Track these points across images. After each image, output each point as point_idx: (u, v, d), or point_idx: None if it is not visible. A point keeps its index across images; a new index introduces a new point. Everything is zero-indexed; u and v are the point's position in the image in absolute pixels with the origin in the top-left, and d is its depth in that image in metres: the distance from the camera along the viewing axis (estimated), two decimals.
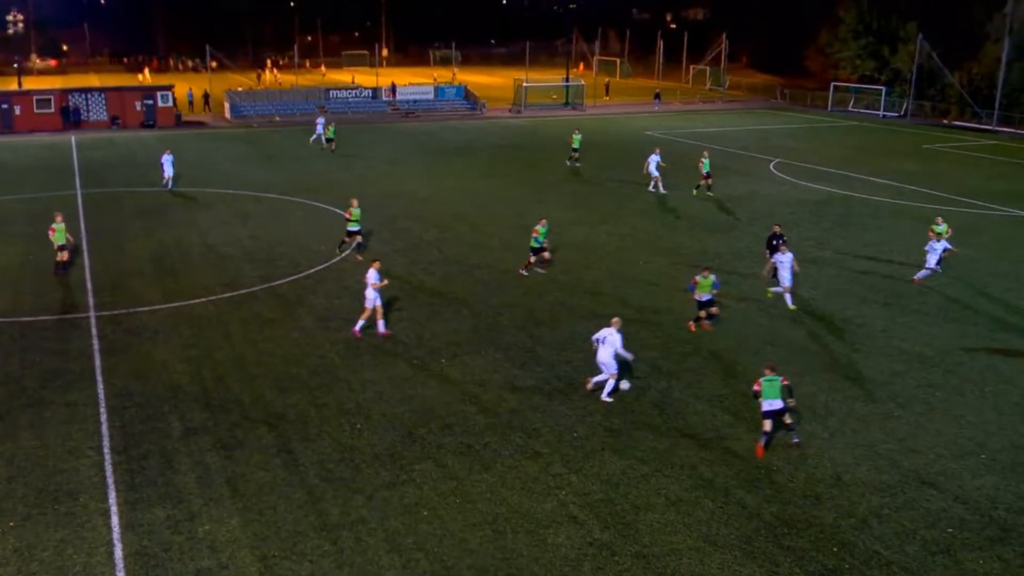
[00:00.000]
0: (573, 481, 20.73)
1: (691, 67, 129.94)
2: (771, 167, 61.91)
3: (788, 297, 32.28)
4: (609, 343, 24.89)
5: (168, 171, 52.27)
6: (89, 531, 18.56)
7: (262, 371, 26.57)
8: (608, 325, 25.25)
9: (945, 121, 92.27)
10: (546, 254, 35.99)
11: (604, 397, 25.02)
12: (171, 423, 23.24)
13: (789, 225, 44.50)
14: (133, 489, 20.10)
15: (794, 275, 32.19)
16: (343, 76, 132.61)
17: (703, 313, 29.90)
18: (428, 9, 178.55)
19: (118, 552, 17.86)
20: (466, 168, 61.10)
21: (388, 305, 32.12)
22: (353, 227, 37.75)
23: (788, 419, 22.46)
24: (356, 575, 17.32)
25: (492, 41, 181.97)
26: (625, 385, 25.35)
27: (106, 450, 21.85)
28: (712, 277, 29.63)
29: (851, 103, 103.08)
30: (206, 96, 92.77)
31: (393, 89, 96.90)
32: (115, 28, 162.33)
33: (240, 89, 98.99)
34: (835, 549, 18.28)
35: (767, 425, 22.23)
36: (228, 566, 17.52)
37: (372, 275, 29.24)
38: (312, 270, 36.36)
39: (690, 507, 19.75)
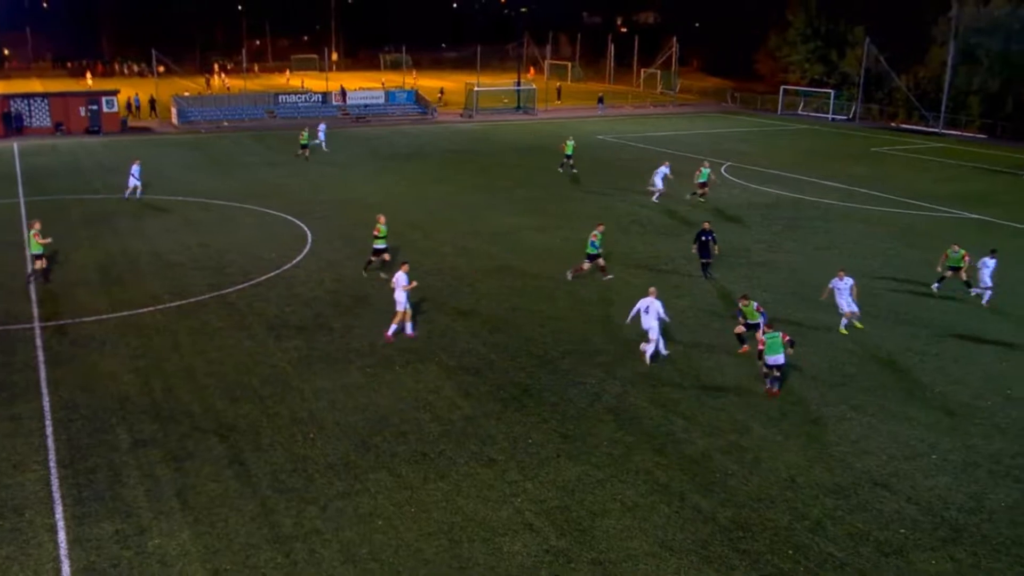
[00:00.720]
0: (529, 488, 20.70)
1: (642, 71, 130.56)
2: (722, 170, 62.22)
3: (843, 321, 30.74)
4: (653, 310, 27.78)
5: (134, 181, 51.01)
6: (35, 547, 18.25)
7: (212, 381, 26.31)
8: (646, 295, 28.26)
9: (893, 124, 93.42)
10: (600, 261, 35.82)
11: (648, 358, 27.87)
12: (119, 435, 22.92)
13: (741, 228, 44.87)
14: (80, 503, 19.80)
15: (855, 300, 30.65)
16: (292, 80, 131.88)
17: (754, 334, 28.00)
18: (378, 13, 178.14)
19: (65, 568, 17.58)
20: (418, 173, 60.89)
21: (341, 311, 32.05)
22: (380, 244, 35.79)
23: (777, 372, 25.72)
24: None
25: (443, 45, 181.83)
26: (662, 346, 28.31)
27: (52, 464, 21.51)
28: (754, 304, 28.52)
29: (800, 106, 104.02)
30: (152, 101, 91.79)
31: (343, 93, 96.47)
32: (58, 32, 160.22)
33: (187, 94, 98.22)
34: (790, 552, 18.41)
35: (771, 373, 25.85)
36: None
37: (401, 278, 29.65)
38: (263, 278, 36.06)
39: (646, 512, 19.79)
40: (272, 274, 36.59)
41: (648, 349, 27.97)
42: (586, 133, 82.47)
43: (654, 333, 27.85)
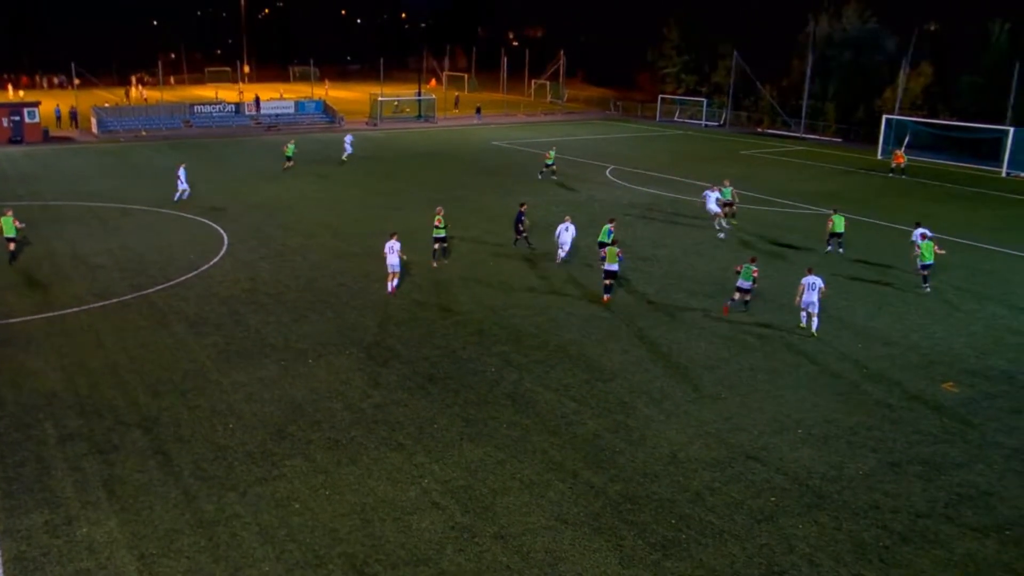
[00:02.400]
0: (435, 470, 20.68)
1: (533, 81, 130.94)
2: (607, 173, 62.82)
3: (803, 316, 30.26)
4: (571, 230, 38.18)
5: (182, 184, 50.87)
6: None
7: (135, 377, 25.72)
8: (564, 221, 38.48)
9: (759, 129, 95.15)
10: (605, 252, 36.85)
11: (559, 259, 38.04)
12: (47, 430, 22.29)
13: (625, 226, 45.29)
14: (10, 496, 19.21)
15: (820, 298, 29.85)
16: (207, 91, 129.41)
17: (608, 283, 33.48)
18: (287, 27, 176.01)
19: None
20: (327, 178, 60.18)
21: (256, 308, 31.62)
22: (439, 234, 37.48)
23: (748, 297, 31.65)
24: (231, 568, 16.94)
25: (348, 58, 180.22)
26: (562, 253, 38.24)
27: None
28: (616, 250, 33.25)
29: (677, 114, 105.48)
30: (73, 112, 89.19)
31: (257, 102, 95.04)
32: None
33: (107, 105, 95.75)
34: (673, 521, 18.68)
35: (736, 296, 31.62)
36: (107, 566, 16.92)
37: (395, 244, 33.41)
38: (182, 278, 35.37)
39: (543, 489, 19.91)
40: (191, 275, 35.90)
41: (561, 254, 38.00)
42: (483, 139, 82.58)
43: (566, 247, 38.02)
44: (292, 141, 66.08)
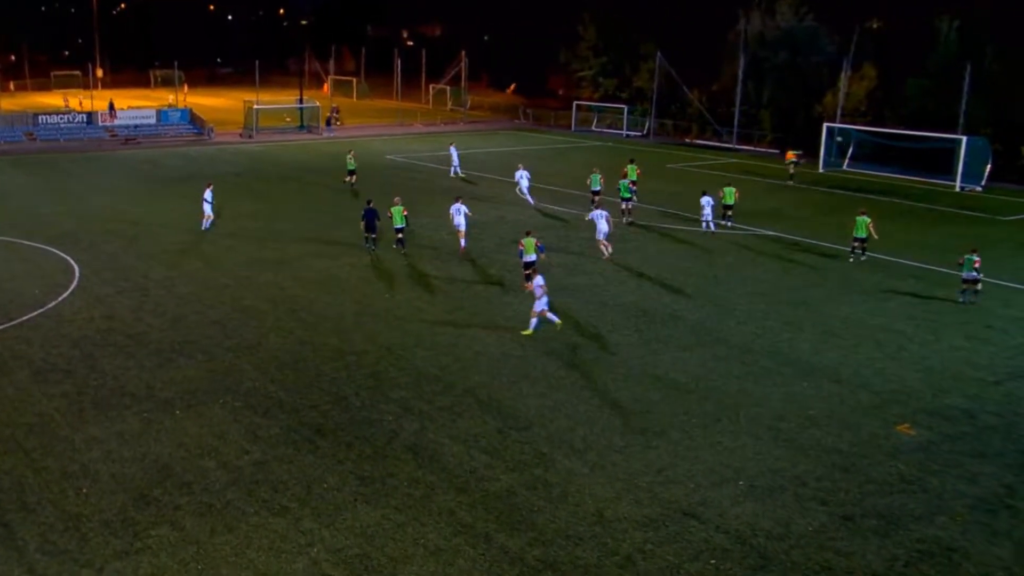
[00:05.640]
0: (325, 536, 20.37)
1: (431, 86, 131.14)
2: (517, 191, 63.00)
3: (552, 316, 33.52)
4: (462, 211, 44.47)
5: (208, 209, 50.02)
6: None
7: None
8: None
9: (687, 140, 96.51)
10: (630, 204, 44.20)
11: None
12: None
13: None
14: None
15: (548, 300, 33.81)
16: (53, 99, 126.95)
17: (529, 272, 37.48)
18: (146, 27, 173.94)
19: None
20: (195, 200, 58.86)
21: (114, 351, 30.97)
22: (399, 224, 44.38)
23: (977, 287, 37.77)
24: None
25: (218, 60, 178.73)
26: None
27: None
28: (534, 240, 38.52)
29: (595, 122, 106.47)
30: None
31: (111, 109, 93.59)
32: None
33: None
34: None
35: (964, 287, 37.81)
36: None
37: (463, 207, 44.36)
38: (25, 317, 34.48)
39: (451, 556, 19.73)
40: (35, 313, 35.03)
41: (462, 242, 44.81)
42: (374, 153, 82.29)
43: (460, 227, 44.60)
44: (351, 152, 65.47)
